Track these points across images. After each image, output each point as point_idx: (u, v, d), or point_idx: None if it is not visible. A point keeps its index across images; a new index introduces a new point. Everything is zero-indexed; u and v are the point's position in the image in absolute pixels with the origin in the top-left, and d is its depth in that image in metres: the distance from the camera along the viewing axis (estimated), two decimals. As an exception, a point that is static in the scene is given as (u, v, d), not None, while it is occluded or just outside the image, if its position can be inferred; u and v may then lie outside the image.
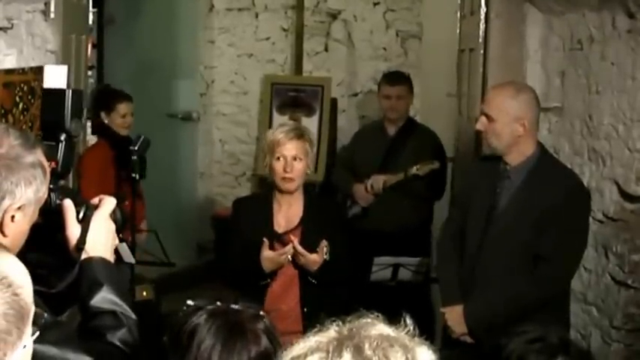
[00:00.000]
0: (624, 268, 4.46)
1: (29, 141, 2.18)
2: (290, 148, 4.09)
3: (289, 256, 4.06)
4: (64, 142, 2.46)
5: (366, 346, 1.46)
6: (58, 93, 2.51)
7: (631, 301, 4.45)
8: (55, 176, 2.41)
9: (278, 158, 4.10)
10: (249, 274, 4.10)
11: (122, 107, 5.89)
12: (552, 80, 5.07)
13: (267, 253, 4.06)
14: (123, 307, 2.32)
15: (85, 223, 2.38)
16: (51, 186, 2.34)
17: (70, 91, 2.50)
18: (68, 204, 2.38)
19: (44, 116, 2.57)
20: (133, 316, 2.34)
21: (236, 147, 8.26)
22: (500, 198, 4.04)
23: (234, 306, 2.21)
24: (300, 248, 4.03)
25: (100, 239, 2.39)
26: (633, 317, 4.46)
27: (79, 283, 2.33)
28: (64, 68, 2.61)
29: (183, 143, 8.47)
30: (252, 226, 4.18)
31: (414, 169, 5.79)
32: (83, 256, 2.34)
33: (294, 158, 4.10)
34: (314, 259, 4.04)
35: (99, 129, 5.98)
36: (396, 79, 6.31)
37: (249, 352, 2.11)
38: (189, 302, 2.21)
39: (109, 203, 2.44)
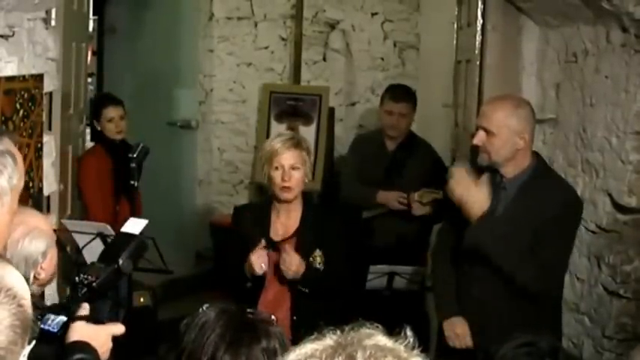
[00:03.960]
0: (616, 278, 4.50)
1: None
2: (287, 158, 4.11)
3: (263, 265, 4.07)
4: (111, 270, 2.72)
5: (359, 354, 1.46)
6: (129, 237, 2.87)
7: (623, 311, 4.49)
8: (89, 289, 2.65)
9: (276, 168, 4.12)
10: (241, 279, 4.13)
11: (108, 112, 5.85)
12: (548, 92, 5.11)
13: (251, 255, 4.08)
14: None
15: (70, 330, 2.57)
16: (79, 295, 2.61)
17: (138, 240, 2.85)
18: (85, 305, 2.62)
19: (109, 246, 3.03)
20: None
21: (234, 155, 8.29)
22: (495, 209, 4.07)
23: (249, 309, 2.26)
24: (288, 249, 4.08)
25: (97, 339, 2.55)
26: (625, 327, 4.49)
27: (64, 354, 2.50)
28: (144, 223, 3.04)
29: (182, 151, 8.50)
30: (251, 234, 4.20)
31: (416, 196, 5.75)
32: (76, 337, 2.53)
33: (292, 167, 4.12)
34: (295, 262, 4.07)
35: (97, 137, 6.00)
36: (401, 95, 6.06)
37: (259, 344, 2.14)
38: (205, 307, 2.27)
39: (118, 329, 2.65)
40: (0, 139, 2.15)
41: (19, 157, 2.19)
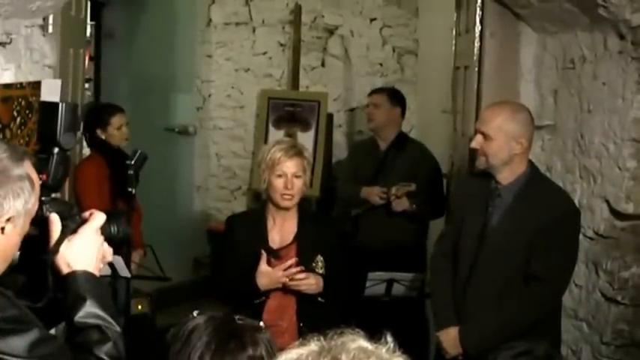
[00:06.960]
0: (614, 284, 4.50)
1: (17, 153, 2.19)
2: (290, 166, 4.12)
3: (286, 279, 4.08)
4: (55, 155, 2.48)
5: (343, 356, 1.50)
6: (53, 106, 2.53)
7: (621, 317, 4.49)
8: (46, 189, 2.43)
9: (279, 176, 4.12)
10: (244, 292, 4.11)
11: (116, 120, 5.86)
12: (545, 98, 5.12)
13: (264, 268, 4.08)
14: (107, 321, 2.32)
15: (62, 233, 2.39)
16: (42, 198, 2.36)
17: (64, 104, 2.52)
18: (54, 218, 2.39)
19: (39, 129, 2.60)
20: (118, 328, 2.35)
21: (232, 161, 8.30)
22: (491, 217, 4.07)
23: (236, 317, 2.25)
24: (301, 275, 4.08)
25: (85, 253, 2.39)
26: (622, 333, 4.49)
27: (63, 297, 2.35)
28: (58, 82, 2.63)
29: (179, 157, 8.50)
30: (247, 242, 4.19)
31: (393, 190, 5.91)
32: (66, 270, 2.35)
33: (295, 176, 4.14)
34: (312, 279, 4.09)
35: (95, 145, 5.97)
36: (375, 90, 6.53)
37: (245, 353, 2.14)
38: (195, 313, 2.26)
39: (98, 218, 2.45)
40: (22, 162, 2.18)
41: (37, 182, 2.24)
